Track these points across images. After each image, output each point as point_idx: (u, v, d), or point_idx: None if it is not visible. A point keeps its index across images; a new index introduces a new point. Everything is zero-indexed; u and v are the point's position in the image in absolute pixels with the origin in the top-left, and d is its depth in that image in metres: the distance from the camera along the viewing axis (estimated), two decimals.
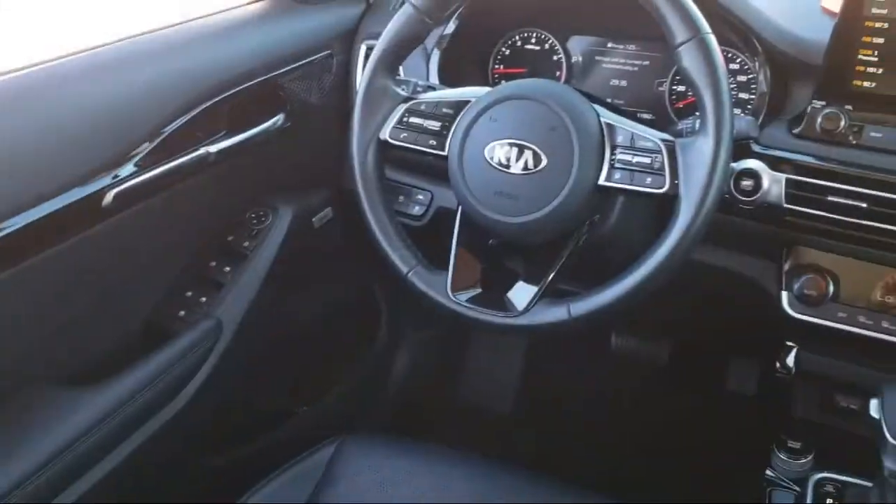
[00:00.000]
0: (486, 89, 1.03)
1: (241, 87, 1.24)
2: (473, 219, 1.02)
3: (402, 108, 1.06)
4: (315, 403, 1.68)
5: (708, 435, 1.81)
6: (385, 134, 1.06)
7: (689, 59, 0.91)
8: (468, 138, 1.00)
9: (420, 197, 1.39)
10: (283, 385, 1.62)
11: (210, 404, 1.29)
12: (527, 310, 0.98)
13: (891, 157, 1.03)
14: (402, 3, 1.07)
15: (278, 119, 1.34)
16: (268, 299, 1.34)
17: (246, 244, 1.34)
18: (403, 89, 1.08)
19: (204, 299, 1.28)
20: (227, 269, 1.32)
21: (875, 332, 1.10)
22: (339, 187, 1.48)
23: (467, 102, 1.02)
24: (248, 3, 1.38)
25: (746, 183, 1.06)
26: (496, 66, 1.42)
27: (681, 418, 1.86)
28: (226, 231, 1.36)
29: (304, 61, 1.35)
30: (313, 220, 1.45)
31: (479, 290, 1.04)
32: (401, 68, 1.14)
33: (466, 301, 1.02)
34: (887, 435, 1.03)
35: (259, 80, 1.27)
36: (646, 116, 1.32)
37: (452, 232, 1.07)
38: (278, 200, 1.40)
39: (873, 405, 1.08)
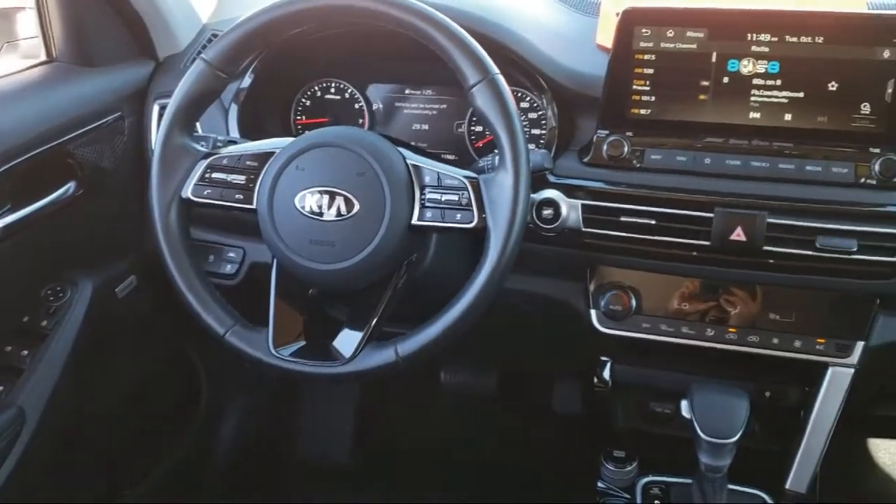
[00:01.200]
0: (290, 139, 1.02)
1: (23, 158, 1.16)
2: (290, 270, 1.00)
3: (202, 164, 1.03)
4: (139, 485, 1.57)
5: (542, 456, 1.87)
6: (187, 192, 1.03)
7: (481, 99, 0.95)
8: (276, 189, 0.99)
9: (231, 254, 1.35)
10: (102, 470, 1.51)
11: (18, 502, 1.18)
12: (354, 356, 0.98)
13: (671, 176, 1.13)
14: (194, 59, 1.05)
15: (69, 188, 1.26)
16: (74, 380, 1.25)
17: (44, 323, 1.25)
18: (203, 145, 1.06)
19: (1, 388, 1.18)
20: (25, 352, 1.22)
21: (676, 337, 1.20)
22: (143, 253, 1.41)
23: (271, 154, 1.01)
24: (24, 69, 1.29)
25: (547, 212, 1.13)
26: (298, 117, 1.42)
27: (514, 444, 1.90)
28: (20, 311, 1.25)
29: (92, 125, 1.28)
30: (116, 290, 1.38)
31: (302, 343, 1.02)
32: (198, 125, 1.11)
33: (290, 355, 1.00)
34: (699, 432, 1.12)
35: (43, 148, 1.19)
36: (449, 157, 1.37)
37: (269, 286, 1.04)
38: (76, 273, 1.31)
39: (684, 406, 1.16)
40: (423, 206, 0.97)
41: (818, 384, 1.19)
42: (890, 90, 1.05)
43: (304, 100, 1.42)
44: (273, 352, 1.00)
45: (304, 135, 1.01)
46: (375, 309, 1.00)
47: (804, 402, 1.23)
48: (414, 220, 0.97)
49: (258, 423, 1.89)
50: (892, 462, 1.88)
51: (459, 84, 0.97)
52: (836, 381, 1.18)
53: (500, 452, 1.90)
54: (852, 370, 1.16)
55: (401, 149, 1.00)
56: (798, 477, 1.26)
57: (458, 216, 0.96)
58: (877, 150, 1.06)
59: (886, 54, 1.04)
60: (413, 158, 0.99)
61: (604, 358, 1.30)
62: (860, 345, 1.14)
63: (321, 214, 0.96)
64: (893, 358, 1.18)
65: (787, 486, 1.27)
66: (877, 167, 1.06)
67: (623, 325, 1.21)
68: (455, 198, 0.96)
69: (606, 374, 1.30)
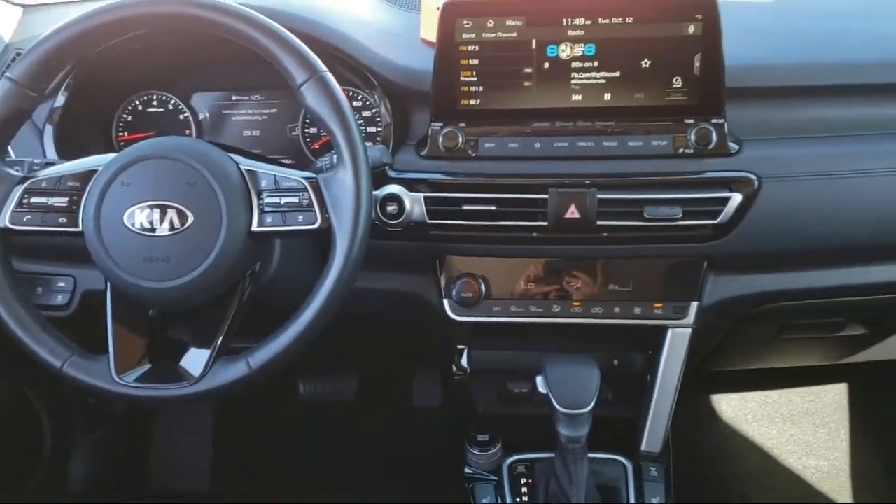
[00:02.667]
0: (112, 155, 0.97)
1: None
2: (126, 292, 0.95)
3: (18, 189, 0.97)
4: None
5: (408, 452, 1.88)
6: (4, 221, 0.96)
7: (311, 98, 0.94)
8: (102, 208, 0.94)
9: (61, 284, 1.27)
10: None
11: None
12: (204, 374, 0.94)
13: (505, 162, 1.16)
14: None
15: None
16: None
17: None
18: (17, 170, 0.99)
19: None
20: None
21: (526, 317, 1.23)
22: None
23: (94, 172, 0.96)
24: None
25: (391, 207, 1.13)
26: (120, 134, 1.36)
27: (380, 445, 1.90)
28: None
29: None
30: None
31: (147, 367, 0.98)
32: (10, 149, 1.04)
33: (135, 381, 0.96)
34: (555, 405, 1.15)
35: None
36: (286, 162, 1.33)
37: (106, 312, 0.99)
38: None
39: (539, 382, 1.19)
40: (262, 212, 0.95)
41: (660, 347, 1.25)
42: (697, 63, 1.11)
43: (125, 115, 1.35)
44: (116, 379, 0.95)
45: (127, 149, 0.97)
46: (221, 324, 0.97)
47: (650, 366, 1.29)
48: (254, 227, 0.95)
49: (109, 458, 1.79)
50: (735, 414, 2.02)
51: (288, 86, 0.95)
52: (676, 343, 1.24)
53: (367, 455, 1.89)
54: (689, 330, 1.23)
55: (233, 154, 0.97)
56: (651, 438, 1.32)
57: (301, 218, 0.94)
58: (691, 121, 1.13)
59: (691, 29, 1.11)
60: (246, 163, 0.97)
61: (460, 346, 1.32)
62: (694, 305, 1.21)
63: (153, 230, 0.92)
64: (725, 315, 1.26)
65: (642, 448, 1.33)
66: (692, 137, 1.13)
67: (475, 311, 1.23)
68: (295, 200, 0.95)
69: (464, 361, 1.32)
